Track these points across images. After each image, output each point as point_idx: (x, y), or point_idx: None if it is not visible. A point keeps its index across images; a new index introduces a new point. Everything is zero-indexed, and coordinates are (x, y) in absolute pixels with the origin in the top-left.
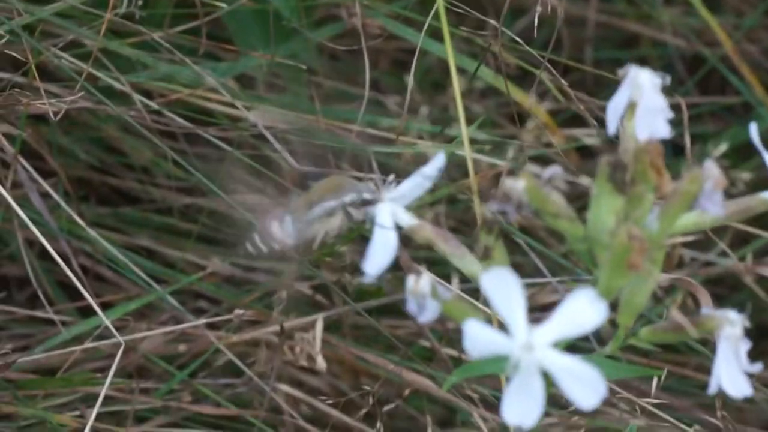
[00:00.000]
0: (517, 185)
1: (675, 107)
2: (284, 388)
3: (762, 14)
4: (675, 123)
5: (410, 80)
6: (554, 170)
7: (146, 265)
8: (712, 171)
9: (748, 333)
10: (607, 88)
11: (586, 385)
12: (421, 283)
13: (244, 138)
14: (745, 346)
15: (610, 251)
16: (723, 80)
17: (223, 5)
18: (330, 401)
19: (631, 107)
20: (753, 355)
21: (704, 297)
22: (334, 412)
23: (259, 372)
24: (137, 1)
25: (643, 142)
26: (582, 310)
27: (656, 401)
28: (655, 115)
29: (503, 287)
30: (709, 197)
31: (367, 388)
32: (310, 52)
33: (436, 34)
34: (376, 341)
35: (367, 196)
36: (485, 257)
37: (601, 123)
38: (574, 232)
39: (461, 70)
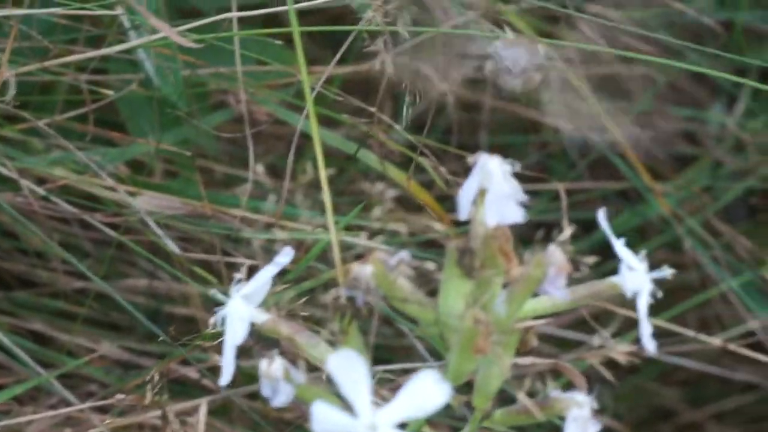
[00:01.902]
0: (364, 271)
1: (567, 192)
2: None
3: (653, 98)
4: (557, 209)
5: (289, 165)
6: (401, 255)
7: (35, 349)
8: (555, 256)
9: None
10: None
11: None
12: (273, 367)
13: (131, 223)
14: (594, 427)
15: (458, 335)
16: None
17: (110, 92)
18: None
19: (481, 193)
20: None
21: (578, 380)
22: None
23: None
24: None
25: (492, 227)
26: (425, 392)
27: None
28: (505, 201)
29: (348, 369)
30: (552, 282)
31: None
32: (205, 138)
33: (327, 122)
34: (264, 425)
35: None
36: (339, 342)
37: None
38: (425, 317)
39: (354, 158)
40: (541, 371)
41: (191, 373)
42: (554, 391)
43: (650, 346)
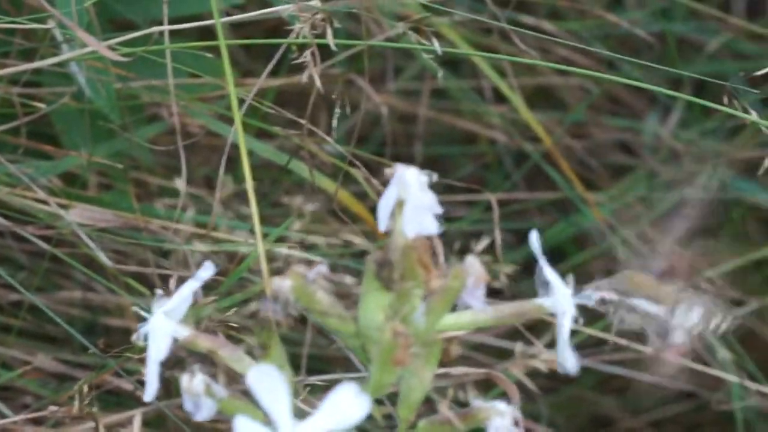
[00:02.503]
0: (283, 284)
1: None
2: None
3: (588, 109)
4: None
5: (220, 176)
6: (320, 269)
7: None
8: (474, 267)
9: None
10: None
11: None
12: (194, 382)
13: (64, 236)
14: None
15: (378, 347)
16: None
17: (43, 105)
18: None
19: (400, 205)
20: None
21: (510, 390)
22: None
23: None
24: None
25: (411, 239)
26: (345, 405)
27: None
28: (423, 213)
29: (268, 383)
30: (471, 293)
31: None
32: (139, 150)
33: (261, 134)
34: None
35: None
36: (262, 356)
37: None
38: (345, 329)
39: (288, 170)
40: (475, 381)
41: (125, 384)
42: (476, 401)
43: (569, 367)
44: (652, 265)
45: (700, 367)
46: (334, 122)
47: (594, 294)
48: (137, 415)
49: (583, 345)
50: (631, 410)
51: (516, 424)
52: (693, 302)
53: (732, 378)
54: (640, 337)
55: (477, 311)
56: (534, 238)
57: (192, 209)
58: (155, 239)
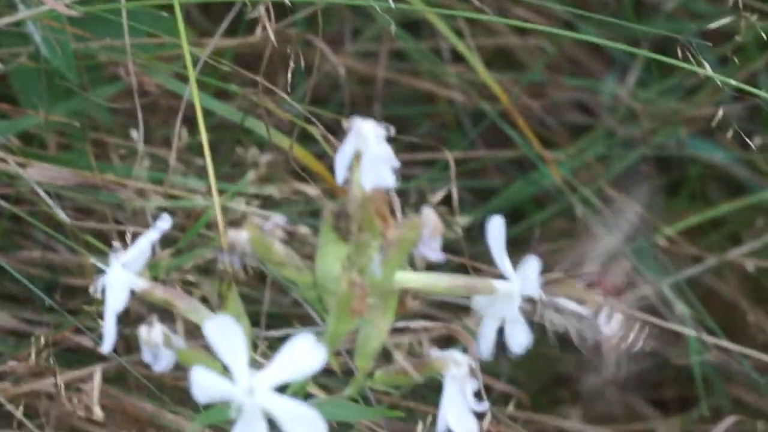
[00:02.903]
0: (240, 236)
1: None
2: None
3: (546, 69)
4: (448, 178)
5: (176, 135)
6: (276, 220)
7: None
8: (429, 218)
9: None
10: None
11: (307, 427)
12: (153, 332)
13: (23, 195)
14: (472, 385)
15: (335, 298)
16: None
17: (0, 65)
18: None
19: (357, 157)
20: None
21: (469, 344)
22: None
23: (41, 423)
24: None
25: (369, 190)
26: (301, 355)
27: None
28: (380, 165)
29: (226, 335)
30: (427, 244)
31: None
32: (97, 110)
33: (221, 94)
34: (162, 392)
35: None
36: (219, 307)
37: None
38: (303, 280)
39: (248, 129)
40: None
41: (86, 341)
42: (433, 351)
43: (517, 348)
44: (581, 276)
45: (657, 321)
46: (289, 76)
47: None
48: (97, 371)
49: None
50: (593, 369)
51: (472, 373)
52: (614, 310)
53: (689, 332)
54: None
55: (436, 276)
56: (491, 228)
57: (150, 167)
58: (112, 196)
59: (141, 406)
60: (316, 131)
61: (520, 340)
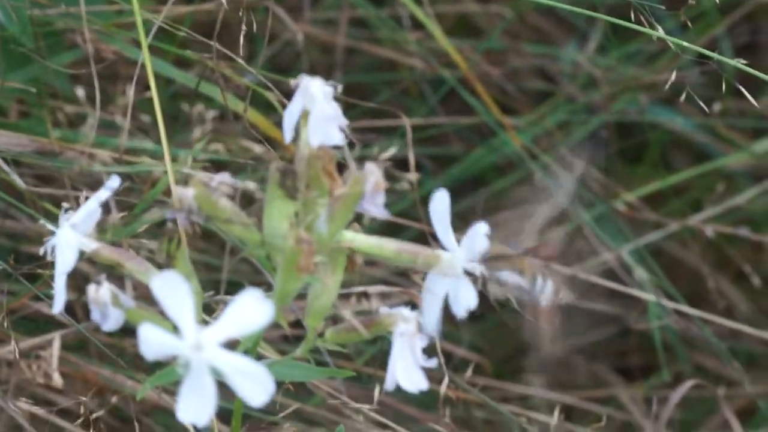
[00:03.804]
0: (186, 193)
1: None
2: (24, 406)
3: (507, 37)
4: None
5: (129, 97)
6: (222, 177)
7: None
8: (373, 174)
9: None
10: (353, 109)
11: (254, 383)
12: (100, 292)
13: None
14: (421, 342)
15: (283, 255)
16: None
17: None
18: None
19: (305, 115)
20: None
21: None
22: (77, 430)
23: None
24: None
25: (316, 148)
26: (249, 311)
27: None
28: (328, 123)
29: (172, 291)
30: (371, 199)
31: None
32: (56, 77)
33: (179, 62)
34: (123, 360)
35: None
36: (168, 266)
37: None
38: (250, 238)
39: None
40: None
41: (45, 308)
42: (382, 308)
43: (462, 311)
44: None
45: (617, 286)
46: (241, 39)
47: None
48: (56, 338)
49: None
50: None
51: (418, 328)
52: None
53: (649, 297)
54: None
55: (383, 240)
56: (437, 200)
57: (108, 134)
58: (69, 163)
59: (101, 372)
60: (273, 97)
61: (465, 302)
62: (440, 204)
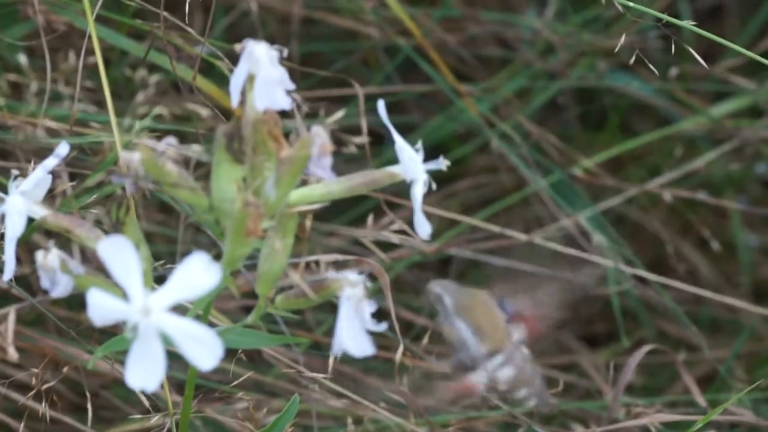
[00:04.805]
0: (133, 157)
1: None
2: None
3: (464, 4)
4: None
5: (79, 71)
6: (169, 141)
7: None
8: (319, 136)
9: None
10: (310, 78)
11: (203, 347)
12: (49, 258)
13: None
14: (369, 307)
15: (231, 220)
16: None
17: None
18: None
19: (250, 80)
20: None
21: (381, 276)
22: (31, 404)
23: None
24: None
25: (262, 112)
26: (196, 275)
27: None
28: (274, 87)
29: (119, 254)
30: (317, 162)
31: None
32: (9, 50)
33: (133, 34)
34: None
35: None
36: (117, 231)
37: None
38: (198, 203)
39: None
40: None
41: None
42: (330, 273)
43: (423, 233)
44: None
45: (576, 252)
46: (186, 7)
47: (444, 161)
48: (11, 311)
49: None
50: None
51: (365, 292)
52: (512, 360)
53: (606, 263)
54: (528, 229)
55: (329, 182)
56: (381, 108)
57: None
58: (21, 135)
59: (58, 346)
60: (224, 66)
61: (425, 228)
62: (383, 110)
